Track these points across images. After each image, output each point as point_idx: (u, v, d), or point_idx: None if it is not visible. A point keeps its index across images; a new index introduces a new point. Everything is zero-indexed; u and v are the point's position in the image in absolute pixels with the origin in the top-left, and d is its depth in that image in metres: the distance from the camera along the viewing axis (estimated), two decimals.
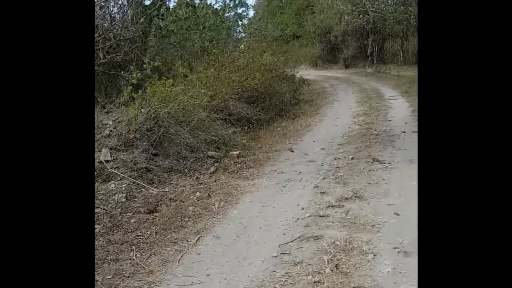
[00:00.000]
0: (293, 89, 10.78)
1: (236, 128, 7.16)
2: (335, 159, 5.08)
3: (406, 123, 6.84)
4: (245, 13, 22.14)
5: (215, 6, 21.37)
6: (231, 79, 7.55)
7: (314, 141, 6.24)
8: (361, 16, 19.27)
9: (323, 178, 4.35)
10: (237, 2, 23.01)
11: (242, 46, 11.79)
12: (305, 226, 3.23)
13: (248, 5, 22.81)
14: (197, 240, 3.17)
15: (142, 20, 8.57)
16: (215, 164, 5.12)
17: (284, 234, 3.15)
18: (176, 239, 3.22)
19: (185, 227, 3.42)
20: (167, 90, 5.72)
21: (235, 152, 5.50)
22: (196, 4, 14.55)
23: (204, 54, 9.34)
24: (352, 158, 4.97)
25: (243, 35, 22.82)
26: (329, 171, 4.60)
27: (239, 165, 5.09)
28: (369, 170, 4.43)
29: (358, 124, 7.13)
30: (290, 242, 2.99)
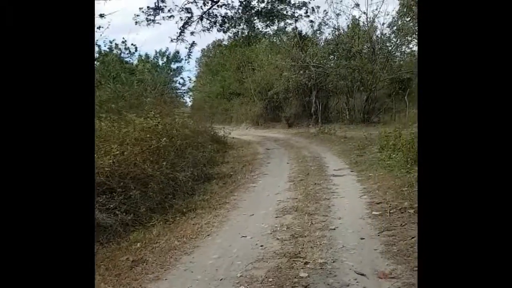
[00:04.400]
0: (203, 162, 7.46)
1: None
2: None
3: (363, 239, 3.56)
4: (179, 69, 18.99)
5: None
6: None
7: None
8: (301, 71, 16.70)
9: None
10: (170, 56, 19.95)
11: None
12: None
13: (184, 60, 19.66)
14: None
15: None
16: None
17: None
18: None
19: None
20: None
21: None
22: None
23: None
24: None
25: (180, 91, 19.70)
26: None
27: None
28: None
29: (278, 238, 3.76)
30: None
